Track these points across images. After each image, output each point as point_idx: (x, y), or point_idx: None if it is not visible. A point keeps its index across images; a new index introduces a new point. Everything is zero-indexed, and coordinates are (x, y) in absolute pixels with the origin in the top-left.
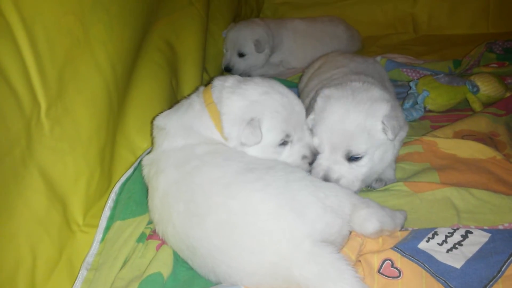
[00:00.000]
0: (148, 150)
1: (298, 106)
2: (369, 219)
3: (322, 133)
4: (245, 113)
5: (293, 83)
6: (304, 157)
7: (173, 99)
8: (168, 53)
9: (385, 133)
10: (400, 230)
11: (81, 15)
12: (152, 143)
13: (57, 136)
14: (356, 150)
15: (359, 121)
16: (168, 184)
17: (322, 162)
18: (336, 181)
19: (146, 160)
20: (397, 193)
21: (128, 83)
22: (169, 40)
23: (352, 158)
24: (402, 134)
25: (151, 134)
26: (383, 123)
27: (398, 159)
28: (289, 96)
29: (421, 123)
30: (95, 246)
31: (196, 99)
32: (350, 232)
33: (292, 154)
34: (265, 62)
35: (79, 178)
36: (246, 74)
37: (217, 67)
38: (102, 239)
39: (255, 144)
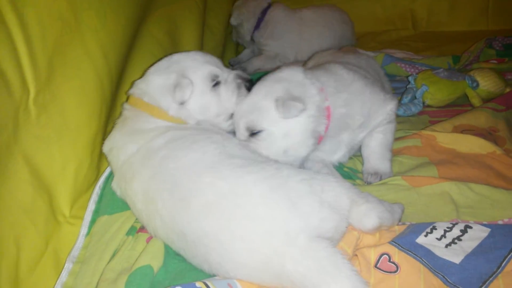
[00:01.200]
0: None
1: (212, 55)
2: (368, 214)
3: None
4: (167, 78)
5: None
6: (239, 85)
7: None
8: (167, 44)
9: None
10: (398, 224)
11: (72, 0)
12: (112, 170)
13: (43, 124)
14: (253, 126)
15: (255, 100)
16: (144, 183)
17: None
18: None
19: (114, 185)
20: (395, 187)
21: (123, 74)
22: (169, 31)
23: (253, 133)
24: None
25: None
26: (276, 101)
27: (395, 152)
28: (200, 51)
29: (419, 118)
30: (81, 240)
31: (124, 111)
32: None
33: (228, 88)
34: (248, 35)
35: (66, 167)
36: (242, 68)
37: None
38: (88, 233)
39: (191, 94)
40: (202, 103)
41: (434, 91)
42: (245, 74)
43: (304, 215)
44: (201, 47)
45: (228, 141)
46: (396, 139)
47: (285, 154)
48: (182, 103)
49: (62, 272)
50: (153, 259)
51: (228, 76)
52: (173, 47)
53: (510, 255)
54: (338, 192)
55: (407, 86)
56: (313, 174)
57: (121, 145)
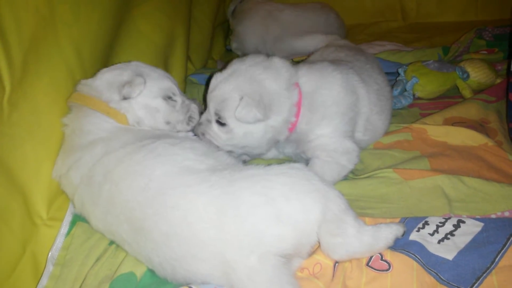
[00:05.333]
0: None
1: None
2: (337, 251)
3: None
4: (119, 74)
5: None
6: (192, 116)
7: None
8: (156, 36)
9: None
10: (389, 218)
11: None
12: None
13: (14, 122)
14: (220, 115)
15: (227, 89)
16: (101, 221)
17: (202, 117)
18: (202, 135)
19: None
20: (386, 181)
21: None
22: (159, 23)
23: (219, 122)
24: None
25: None
26: (240, 100)
27: (386, 147)
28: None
29: (410, 111)
30: (60, 239)
31: (64, 128)
32: None
33: (183, 107)
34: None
35: (40, 168)
36: None
37: (201, 56)
38: (68, 233)
39: (140, 93)
40: (152, 104)
41: (424, 83)
42: (198, 105)
43: (256, 233)
44: (188, 40)
45: (173, 149)
46: (387, 133)
47: (243, 149)
48: (125, 98)
49: (43, 276)
50: (136, 265)
51: (184, 99)
52: (164, 40)
53: (503, 250)
54: (306, 205)
55: (397, 78)
56: (281, 179)
57: (64, 173)
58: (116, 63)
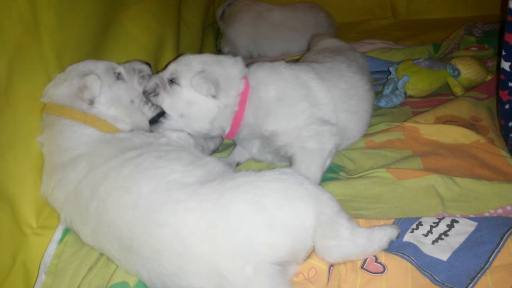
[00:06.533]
0: None
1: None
2: (331, 254)
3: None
4: (70, 85)
5: None
6: (140, 71)
7: None
8: (145, 39)
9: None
10: (383, 219)
11: (33, 0)
12: None
13: None
14: (175, 75)
15: (194, 59)
16: (91, 238)
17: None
18: (150, 89)
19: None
20: (380, 181)
21: None
22: (148, 26)
23: (171, 81)
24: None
25: None
26: (200, 72)
27: (378, 146)
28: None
29: (401, 109)
30: (53, 246)
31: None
32: None
33: (129, 73)
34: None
35: (24, 177)
36: None
37: None
38: (61, 240)
39: (101, 89)
40: (113, 95)
41: (415, 81)
42: (139, 61)
43: (249, 242)
44: (178, 42)
45: (159, 162)
46: (379, 132)
47: (180, 118)
48: (92, 102)
49: (35, 285)
50: (129, 275)
51: (125, 66)
52: (154, 43)
53: (497, 250)
54: (300, 210)
55: (388, 77)
56: (271, 186)
57: (50, 192)
58: None
